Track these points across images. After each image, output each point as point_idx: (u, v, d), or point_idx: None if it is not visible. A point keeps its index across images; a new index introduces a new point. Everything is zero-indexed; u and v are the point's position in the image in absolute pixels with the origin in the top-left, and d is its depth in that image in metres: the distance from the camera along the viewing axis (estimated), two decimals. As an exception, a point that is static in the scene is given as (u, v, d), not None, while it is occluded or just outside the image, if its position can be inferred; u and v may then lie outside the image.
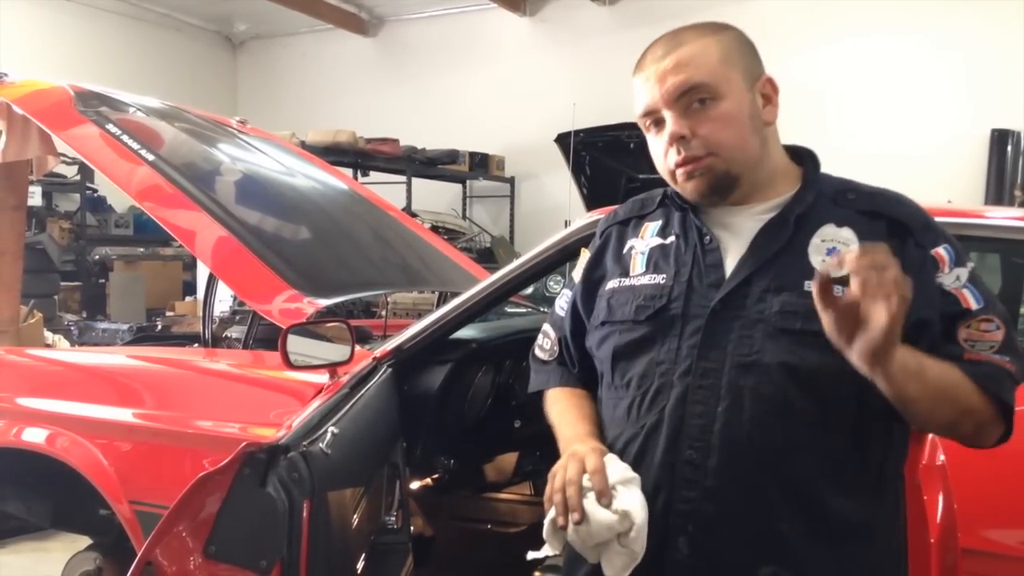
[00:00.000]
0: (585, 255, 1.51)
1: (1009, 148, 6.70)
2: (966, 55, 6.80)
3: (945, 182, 6.55)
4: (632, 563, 1.21)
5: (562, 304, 1.53)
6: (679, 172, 1.29)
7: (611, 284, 1.41)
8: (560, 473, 1.27)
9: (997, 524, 1.70)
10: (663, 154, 1.31)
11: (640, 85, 1.32)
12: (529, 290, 2.67)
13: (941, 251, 1.27)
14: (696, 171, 1.28)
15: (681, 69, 1.27)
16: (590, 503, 1.22)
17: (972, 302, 1.24)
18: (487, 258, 7.41)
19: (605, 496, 1.21)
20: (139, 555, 1.52)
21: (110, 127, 2.75)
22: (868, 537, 1.27)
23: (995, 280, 3.15)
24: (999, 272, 3.14)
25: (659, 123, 1.30)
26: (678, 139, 1.27)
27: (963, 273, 1.26)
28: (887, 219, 1.28)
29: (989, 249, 3.01)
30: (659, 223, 1.41)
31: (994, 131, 6.72)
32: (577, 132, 6.37)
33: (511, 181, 8.89)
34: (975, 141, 6.78)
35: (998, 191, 6.70)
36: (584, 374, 1.49)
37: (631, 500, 1.22)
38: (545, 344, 1.56)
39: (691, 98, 1.26)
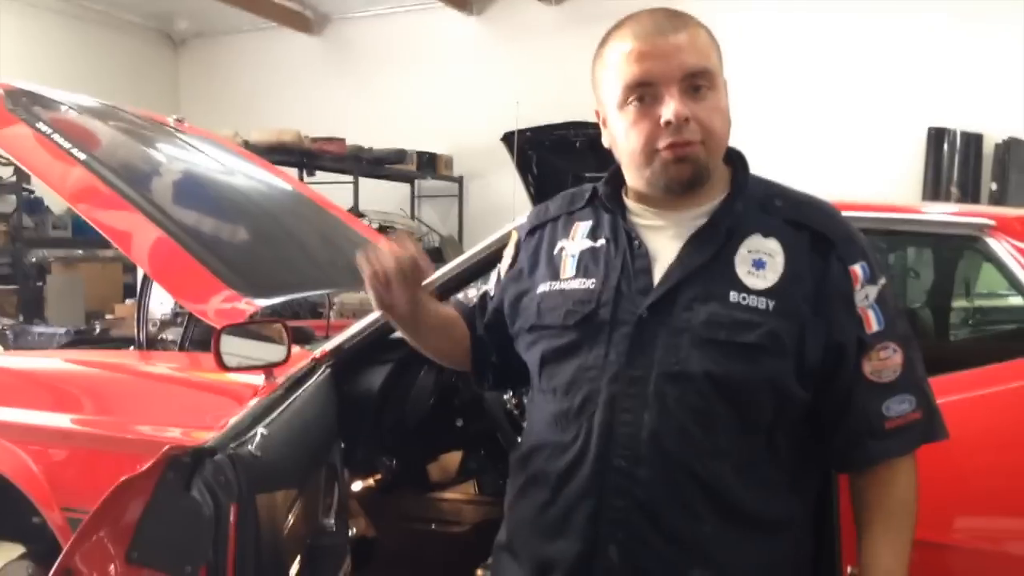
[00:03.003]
0: (512, 240, 1.51)
1: (945, 146, 6.84)
2: (902, 55, 6.93)
3: (884, 179, 6.67)
4: None
5: (492, 281, 1.56)
6: (667, 154, 1.25)
7: (542, 288, 1.39)
8: None
9: (927, 514, 1.73)
10: (647, 133, 1.25)
11: (633, 53, 1.25)
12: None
13: (856, 269, 1.29)
14: (686, 156, 1.25)
15: (692, 50, 1.24)
16: None
17: (874, 323, 1.27)
18: (436, 258, 7.34)
19: None
20: (58, 561, 1.48)
21: (41, 126, 2.69)
22: (789, 535, 1.29)
23: (928, 274, 3.23)
24: (931, 266, 3.22)
25: (647, 98, 1.25)
26: (682, 121, 1.22)
27: (872, 292, 1.28)
28: (811, 231, 1.29)
29: (923, 244, 3.08)
30: (589, 224, 1.40)
31: (931, 129, 6.85)
32: (524, 131, 6.38)
33: (459, 181, 8.86)
34: (913, 139, 6.91)
35: (935, 188, 6.85)
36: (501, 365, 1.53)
37: None
38: (473, 297, 1.61)
39: (693, 82, 1.24)
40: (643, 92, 1.25)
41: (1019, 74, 6.50)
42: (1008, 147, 6.61)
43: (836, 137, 7.04)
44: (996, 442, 1.80)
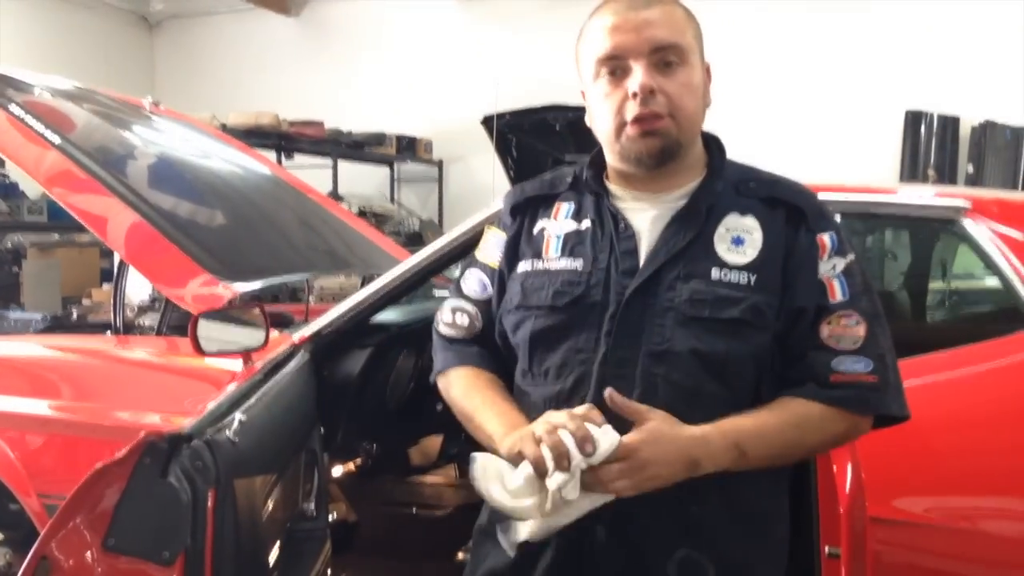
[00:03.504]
0: (494, 232, 1.48)
1: (922, 129, 6.87)
2: (880, 38, 6.94)
3: (861, 162, 6.70)
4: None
5: (474, 286, 1.46)
6: (633, 128, 1.27)
7: (524, 267, 1.39)
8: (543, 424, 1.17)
9: (903, 493, 1.75)
10: (616, 105, 1.28)
11: (607, 27, 1.28)
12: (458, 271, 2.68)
13: (824, 238, 1.31)
14: (654, 130, 1.26)
15: (664, 25, 1.27)
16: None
17: (838, 294, 1.28)
18: (416, 242, 7.35)
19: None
20: (33, 549, 1.47)
21: (14, 109, 2.65)
22: (772, 515, 1.30)
23: (905, 256, 3.25)
24: (908, 248, 3.23)
25: (617, 72, 1.28)
26: (648, 92, 1.24)
27: (839, 263, 1.30)
28: (786, 206, 1.32)
29: (900, 226, 3.09)
30: (572, 205, 1.40)
31: (908, 112, 6.88)
32: (503, 115, 6.36)
33: (439, 164, 8.82)
34: (890, 122, 6.94)
35: (912, 171, 6.88)
36: (505, 360, 1.43)
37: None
38: (461, 321, 1.46)
39: (663, 56, 1.26)
40: (614, 65, 1.28)
41: (996, 57, 6.53)
42: (984, 130, 6.66)
43: (813, 120, 7.06)
44: (971, 422, 1.82)
